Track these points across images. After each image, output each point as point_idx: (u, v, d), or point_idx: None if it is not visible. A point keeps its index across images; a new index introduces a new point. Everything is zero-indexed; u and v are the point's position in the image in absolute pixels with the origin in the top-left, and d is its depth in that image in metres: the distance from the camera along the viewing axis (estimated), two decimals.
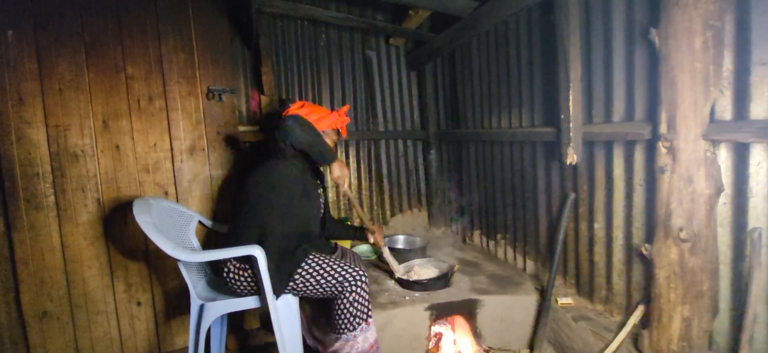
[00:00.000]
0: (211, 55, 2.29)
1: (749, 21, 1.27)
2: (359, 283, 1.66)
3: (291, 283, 1.68)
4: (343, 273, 1.66)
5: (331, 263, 1.70)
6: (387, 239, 2.77)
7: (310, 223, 1.86)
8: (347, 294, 1.65)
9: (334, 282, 1.66)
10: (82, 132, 2.04)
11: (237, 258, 1.67)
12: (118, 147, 2.11)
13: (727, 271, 1.41)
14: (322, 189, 2.03)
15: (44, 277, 2.00)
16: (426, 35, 3.02)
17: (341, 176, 1.86)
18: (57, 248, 2.01)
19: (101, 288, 2.11)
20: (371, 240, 2.18)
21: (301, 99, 3.00)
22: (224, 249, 1.64)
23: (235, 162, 2.38)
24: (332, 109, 3.11)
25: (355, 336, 1.66)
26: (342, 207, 3.18)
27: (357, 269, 1.69)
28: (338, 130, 1.99)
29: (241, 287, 1.70)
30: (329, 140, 1.95)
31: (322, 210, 2.00)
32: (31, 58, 1.93)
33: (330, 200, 3.11)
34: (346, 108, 2.04)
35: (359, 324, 1.66)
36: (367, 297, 1.68)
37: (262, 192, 1.70)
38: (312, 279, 1.67)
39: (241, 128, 2.51)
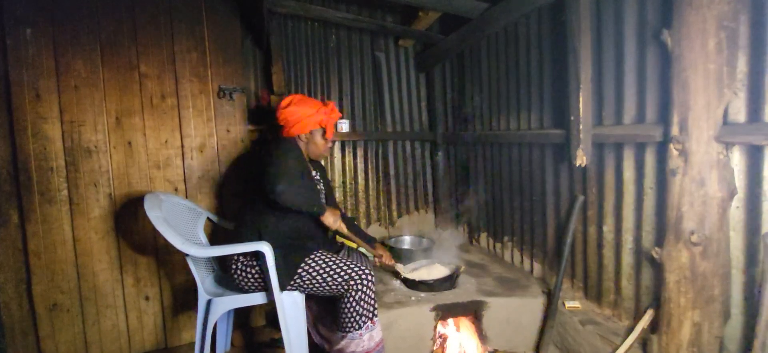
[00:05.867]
0: (222, 54, 2.32)
1: (764, 22, 1.25)
2: (365, 282, 1.67)
3: (297, 278, 1.69)
4: (350, 271, 1.67)
5: (337, 261, 1.71)
6: (393, 239, 2.77)
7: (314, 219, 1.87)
8: (353, 293, 1.65)
9: (340, 280, 1.66)
10: (95, 128, 2.08)
11: (244, 254, 1.69)
12: (130, 143, 2.14)
13: (740, 276, 1.39)
14: (321, 183, 2.03)
15: (56, 270, 2.03)
16: (435, 37, 3.02)
17: (334, 224, 1.83)
18: (69, 241, 2.05)
19: (111, 281, 2.14)
20: (377, 254, 2.10)
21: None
22: (232, 245, 1.66)
23: (244, 160, 2.40)
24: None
25: (360, 335, 1.66)
26: (349, 208, 3.19)
27: (363, 268, 1.70)
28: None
29: (248, 283, 1.72)
30: (319, 139, 1.93)
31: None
32: (49, 56, 1.97)
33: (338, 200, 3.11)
34: (332, 104, 1.94)
35: (365, 322, 1.67)
36: (373, 297, 1.69)
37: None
38: (318, 277, 1.68)
39: (251, 127, 2.54)
